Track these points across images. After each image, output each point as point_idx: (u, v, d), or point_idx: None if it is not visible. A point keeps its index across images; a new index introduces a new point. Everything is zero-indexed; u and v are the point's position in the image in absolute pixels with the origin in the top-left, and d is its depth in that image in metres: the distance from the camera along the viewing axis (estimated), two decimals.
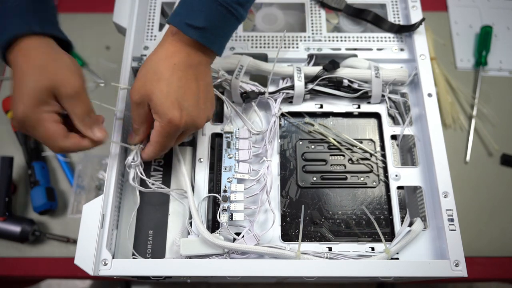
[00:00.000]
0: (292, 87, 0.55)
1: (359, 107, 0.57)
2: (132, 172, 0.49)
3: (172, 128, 0.44)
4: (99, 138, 0.45)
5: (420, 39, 0.58)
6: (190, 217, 0.50)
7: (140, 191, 0.50)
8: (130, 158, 0.49)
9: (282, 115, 0.57)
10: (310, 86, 0.55)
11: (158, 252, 0.49)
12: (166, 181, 0.53)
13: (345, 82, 0.55)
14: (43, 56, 0.41)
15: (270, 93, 0.55)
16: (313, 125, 0.56)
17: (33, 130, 0.41)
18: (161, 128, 0.45)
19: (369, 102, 0.57)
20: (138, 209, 0.51)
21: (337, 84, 0.56)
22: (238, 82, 0.53)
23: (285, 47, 0.60)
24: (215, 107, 0.50)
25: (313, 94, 0.57)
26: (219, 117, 0.57)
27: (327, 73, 0.55)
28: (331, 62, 0.56)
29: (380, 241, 0.50)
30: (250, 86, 0.54)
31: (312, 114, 0.58)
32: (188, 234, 0.49)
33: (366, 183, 0.54)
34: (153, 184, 0.50)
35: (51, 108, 0.41)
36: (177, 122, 0.44)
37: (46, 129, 0.41)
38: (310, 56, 0.59)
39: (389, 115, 0.57)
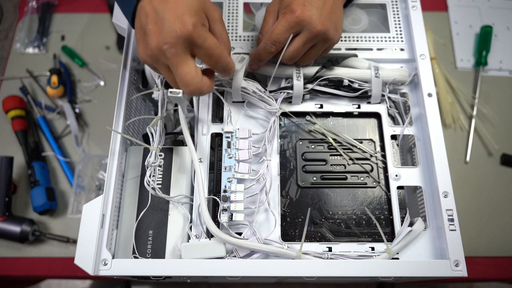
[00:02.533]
0: (291, 87, 0.55)
1: (359, 107, 0.57)
2: (148, 173, 0.49)
3: (291, 20, 0.48)
4: (234, 64, 0.50)
5: (420, 39, 0.58)
6: (190, 222, 0.50)
7: (140, 192, 0.50)
8: (151, 159, 0.49)
9: (283, 114, 0.57)
10: (310, 86, 0.55)
11: (158, 252, 0.49)
12: (166, 184, 0.53)
13: (345, 82, 0.55)
14: None
15: (270, 92, 0.55)
16: (314, 123, 0.56)
17: (203, 41, 0.43)
18: (283, 19, 0.49)
19: (369, 102, 0.57)
20: (138, 209, 0.51)
21: (337, 84, 0.56)
22: (241, 74, 0.53)
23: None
24: (341, 29, 0.53)
25: (313, 94, 0.57)
26: (219, 117, 0.57)
27: (327, 71, 0.55)
28: (330, 60, 0.56)
29: (380, 241, 0.50)
30: (251, 86, 0.54)
31: (312, 114, 0.58)
32: (188, 238, 0.49)
33: (366, 183, 0.54)
34: (158, 188, 0.50)
35: (205, 24, 0.45)
36: (297, 14, 0.48)
37: (214, 39, 0.45)
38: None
39: (389, 115, 0.57)
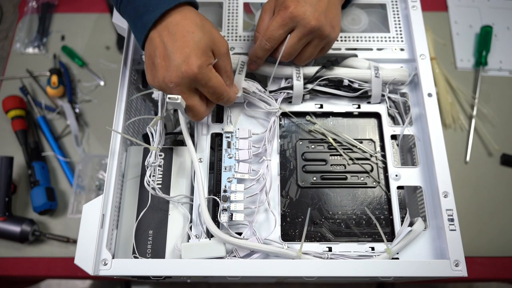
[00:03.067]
0: (291, 87, 0.55)
1: (359, 107, 0.57)
2: (148, 173, 0.49)
3: (285, 16, 0.49)
4: (237, 92, 0.52)
5: (420, 39, 0.58)
6: (190, 222, 0.50)
7: (140, 192, 0.50)
8: (151, 159, 0.49)
9: (283, 114, 0.57)
10: (310, 86, 0.55)
11: (158, 252, 0.49)
12: (166, 184, 0.53)
13: (345, 82, 0.55)
14: (197, 17, 0.46)
15: (270, 92, 0.55)
16: (314, 123, 0.56)
17: (207, 81, 0.46)
18: (278, 16, 0.50)
19: (369, 102, 0.57)
20: (138, 209, 0.51)
21: (337, 83, 0.56)
22: (242, 78, 0.53)
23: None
24: (339, 28, 0.54)
25: (313, 94, 0.57)
26: (219, 117, 0.57)
27: (327, 71, 0.55)
28: (330, 60, 0.56)
29: (380, 241, 0.50)
30: (251, 86, 0.54)
31: (312, 114, 0.58)
32: (188, 238, 0.49)
33: (366, 183, 0.54)
34: (158, 188, 0.50)
35: (211, 62, 0.46)
36: (290, 10, 0.49)
37: (218, 78, 0.47)
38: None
39: (389, 115, 0.57)
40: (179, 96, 0.45)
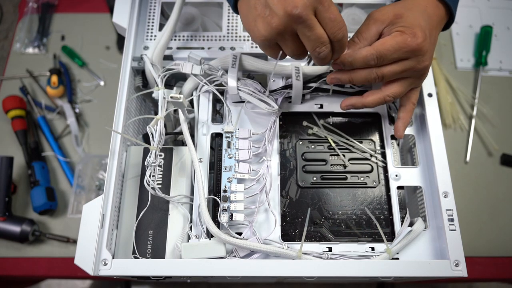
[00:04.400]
0: (291, 86, 0.55)
1: None
2: (148, 173, 0.49)
3: (410, 44, 0.45)
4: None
5: None
6: (190, 222, 0.50)
7: (140, 192, 0.50)
8: (151, 159, 0.49)
9: (283, 114, 0.57)
10: (314, 85, 0.55)
11: (158, 252, 0.49)
12: (166, 184, 0.53)
13: None
14: None
15: (270, 92, 0.55)
16: (312, 128, 0.56)
17: (329, 5, 0.41)
18: (401, 38, 0.46)
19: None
20: (138, 209, 0.51)
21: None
22: (235, 70, 0.53)
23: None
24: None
25: (314, 93, 0.57)
26: (219, 117, 0.57)
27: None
28: None
29: (380, 241, 0.50)
30: (251, 86, 0.54)
31: (312, 114, 0.58)
32: (188, 238, 0.49)
33: (366, 183, 0.54)
34: (158, 188, 0.50)
35: None
36: (419, 41, 0.45)
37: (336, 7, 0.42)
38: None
39: (389, 115, 0.57)
40: (181, 96, 0.45)
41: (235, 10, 0.47)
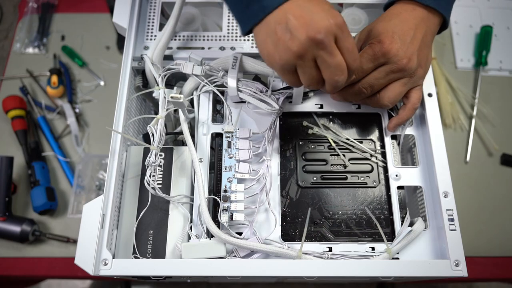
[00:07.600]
0: (291, 87, 0.55)
1: (359, 107, 0.57)
2: (149, 172, 0.49)
3: (377, 50, 0.48)
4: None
5: None
6: (190, 222, 0.50)
7: (141, 192, 0.50)
8: (151, 159, 0.49)
9: (283, 114, 0.57)
10: None
11: (158, 252, 0.49)
12: (166, 184, 0.53)
13: None
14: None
15: (271, 91, 0.55)
16: (312, 128, 0.56)
17: (348, 36, 0.42)
18: (370, 48, 0.49)
19: None
20: (138, 209, 0.51)
21: None
22: (235, 71, 0.53)
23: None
24: (428, 68, 0.53)
25: (314, 92, 0.57)
26: (219, 117, 0.57)
27: None
28: None
29: (380, 241, 0.50)
30: (251, 86, 0.54)
31: (313, 114, 0.58)
32: (189, 238, 0.49)
33: (366, 183, 0.54)
34: (158, 188, 0.50)
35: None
36: (385, 46, 0.48)
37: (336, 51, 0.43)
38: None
39: (389, 115, 0.57)
40: (182, 95, 0.45)
41: (247, 33, 0.47)
